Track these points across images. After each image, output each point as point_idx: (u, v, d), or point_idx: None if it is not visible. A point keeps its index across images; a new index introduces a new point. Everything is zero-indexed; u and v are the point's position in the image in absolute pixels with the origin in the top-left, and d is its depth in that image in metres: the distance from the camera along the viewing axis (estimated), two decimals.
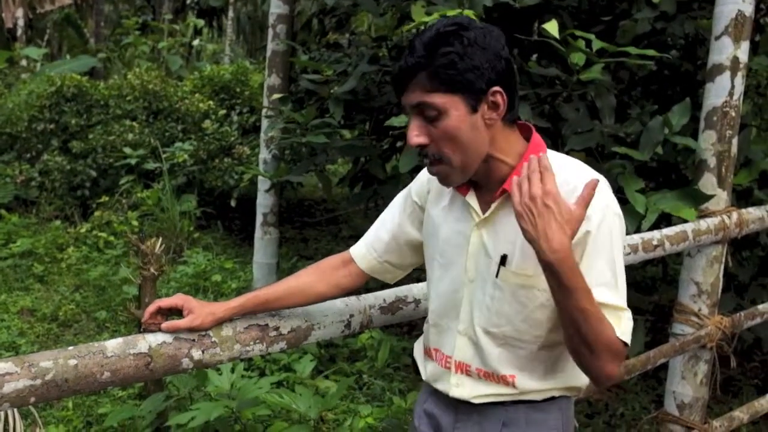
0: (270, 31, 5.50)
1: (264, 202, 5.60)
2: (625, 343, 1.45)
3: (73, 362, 1.45)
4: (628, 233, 3.00)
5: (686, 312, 3.14)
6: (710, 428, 3.17)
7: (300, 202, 8.91)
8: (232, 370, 3.52)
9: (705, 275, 3.13)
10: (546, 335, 1.54)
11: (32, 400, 1.41)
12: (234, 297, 1.75)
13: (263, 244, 5.63)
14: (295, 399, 3.24)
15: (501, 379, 1.57)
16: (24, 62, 12.60)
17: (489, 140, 1.47)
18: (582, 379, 1.62)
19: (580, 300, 1.36)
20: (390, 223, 1.77)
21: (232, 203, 7.11)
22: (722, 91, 3.03)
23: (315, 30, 5.94)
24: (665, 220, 3.76)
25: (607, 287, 1.45)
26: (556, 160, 1.51)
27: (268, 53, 5.52)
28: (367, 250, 1.79)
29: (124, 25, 13.57)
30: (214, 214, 7.47)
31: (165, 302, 1.62)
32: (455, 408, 1.66)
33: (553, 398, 1.60)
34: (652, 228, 2.93)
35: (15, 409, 2.63)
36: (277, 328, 1.75)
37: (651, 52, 3.04)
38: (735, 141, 3.08)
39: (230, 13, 16.65)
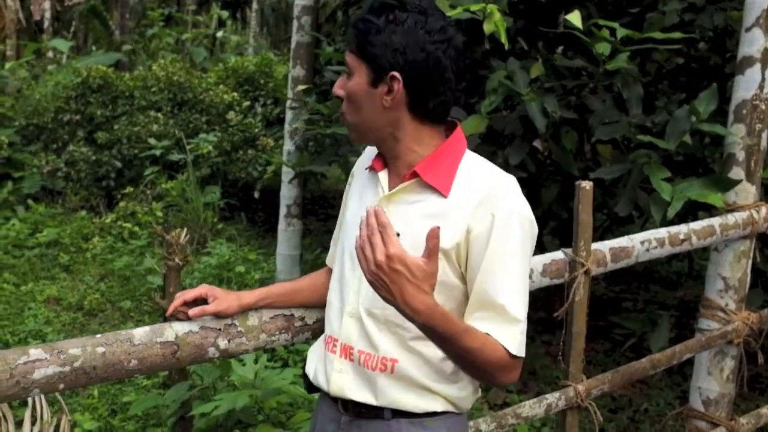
0: (295, 23, 5.51)
1: (287, 193, 5.62)
2: (520, 356, 1.42)
3: (101, 350, 1.47)
4: (655, 224, 2.97)
5: (713, 307, 3.11)
6: (737, 425, 3.13)
7: (323, 194, 8.92)
8: (256, 361, 3.53)
9: (732, 270, 3.09)
10: None
11: (61, 386, 1.43)
12: (257, 288, 1.76)
13: (287, 235, 5.65)
14: None
15: (381, 363, 1.50)
16: (51, 54, 12.72)
17: (391, 121, 1.48)
18: (465, 394, 1.55)
19: (461, 342, 1.35)
20: (340, 216, 1.77)
21: (256, 195, 7.14)
22: (752, 84, 2.99)
23: (340, 21, 5.94)
24: (692, 215, 3.71)
25: (511, 291, 1.42)
26: (472, 162, 1.52)
27: (293, 45, 5.53)
28: (332, 248, 1.79)
29: (149, 17, 13.65)
30: (237, 205, 7.51)
31: (190, 294, 1.62)
32: (338, 422, 1.59)
33: (435, 413, 1.51)
34: (678, 222, 2.90)
35: (42, 396, 2.67)
36: (302, 318, 1.75)
37: (677, 35, 3.00)
38: (765, 135, 3.03)
39: (254, 5, 16.71)
